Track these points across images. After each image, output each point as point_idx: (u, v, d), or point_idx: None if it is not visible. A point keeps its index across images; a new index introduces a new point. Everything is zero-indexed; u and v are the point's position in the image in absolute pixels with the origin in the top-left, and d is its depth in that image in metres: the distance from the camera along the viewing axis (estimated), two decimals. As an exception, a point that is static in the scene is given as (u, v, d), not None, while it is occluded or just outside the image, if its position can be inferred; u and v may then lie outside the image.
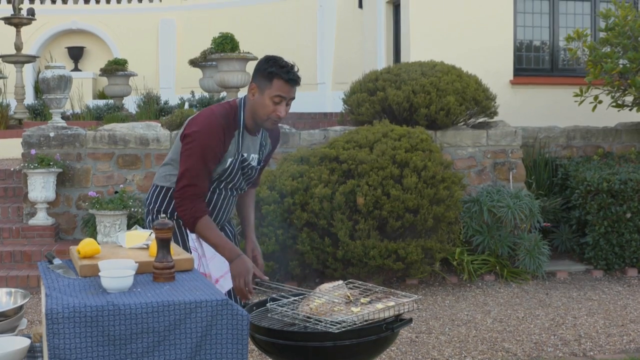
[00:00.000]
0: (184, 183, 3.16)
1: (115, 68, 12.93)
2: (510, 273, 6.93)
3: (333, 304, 2.95)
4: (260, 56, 3.44)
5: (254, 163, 3.37)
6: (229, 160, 3.24)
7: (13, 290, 2.88)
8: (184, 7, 15.17)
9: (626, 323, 5.59)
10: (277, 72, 3.14)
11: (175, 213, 3.28)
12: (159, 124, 7.88)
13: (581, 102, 7.99)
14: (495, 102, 7.93)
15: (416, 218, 6.38)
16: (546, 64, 9.95)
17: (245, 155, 3.30)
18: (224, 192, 3.36)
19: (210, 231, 3.17)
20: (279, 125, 3.46)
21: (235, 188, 3.40)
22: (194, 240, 3.31)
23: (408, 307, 2.96)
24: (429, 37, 9.34)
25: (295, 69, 3.20)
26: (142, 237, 2.92)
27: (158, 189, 3.37)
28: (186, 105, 11.43)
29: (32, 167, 7.14)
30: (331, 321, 2.76)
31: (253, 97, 3.20)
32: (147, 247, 2.84)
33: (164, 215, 2.67)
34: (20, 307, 2.77)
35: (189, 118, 3.29)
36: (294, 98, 3.24)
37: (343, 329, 2.73)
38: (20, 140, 7.62)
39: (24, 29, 12.58)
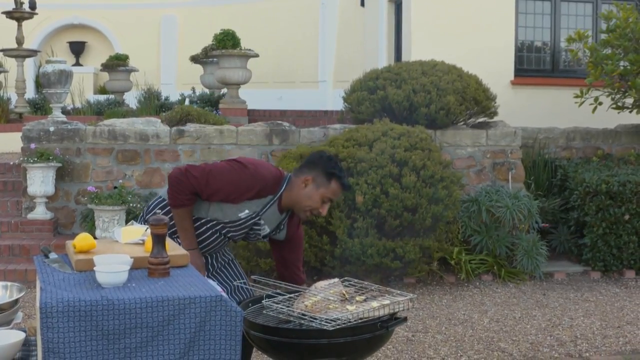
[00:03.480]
0: (196, 173, 3.21)
1: (117, 63, 12.93)
2: (507, 273, 6.94)
3: (328, 301, 2.95)
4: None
5: (263, 232, 3.41)
6: (245, 212, 3.27)
7: (9, 284, 2.88)
8: (186, 3, 15.17)
9: (622, 325, 5.60)
10: (339, 175, 3.25)
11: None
12: (159, 120, 7.89)
13: (581, 103, 7.98)
14: (495, 103, 7.93)
15: (414, 217, 6.39)
16: (547, 65, 9.95)
17: (262, 222, 3.34)
18: (217, 234, 3.39)
19: (186, 220, 3.25)
20: None
21: (231, 237, 3.44)
22: None
23: (403, 305, 2.97)
24: (430, 36, 9.33)
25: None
26: (138, 232, 2.92)
27: (165, 202, 3.38)
28: (187, 102, 11.43)
29: (31, 161, 7.15)
30: (326, 319, 2.77)
31: (304, 188, 3.26)
32: (143, 243, 2.84)
33: (159, 211, 2.67)
34: (16, 301, 2.77)
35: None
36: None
37: (338, 327, 2.74)
38: (20, 134, 7.62)
39: (25, 23, 12.57)
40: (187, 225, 3.26)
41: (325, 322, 2.75)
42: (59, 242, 6.88)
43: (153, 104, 11.38)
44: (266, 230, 3.40)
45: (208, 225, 3.34)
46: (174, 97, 12.31)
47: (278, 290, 3.20)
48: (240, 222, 3.30)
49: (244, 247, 6.41)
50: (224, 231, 3.37)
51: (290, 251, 3.58)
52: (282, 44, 13.63)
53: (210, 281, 3.24)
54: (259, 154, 7.42)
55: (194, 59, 12.61)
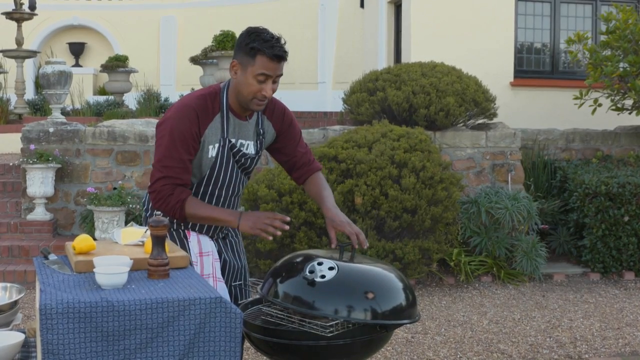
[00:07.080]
0: (157, 176, 2.90)
1: (116, 64, 12.94)
2: (507, 275, 6.94)
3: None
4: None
5: (248, 150, 3.06)
6: (213, 147, 2.95)
7: (8, 285, 2.87)
8: (185, 4, 15.19)
9: (622, 326, 5.60)
10: (260, 47, 2.81)
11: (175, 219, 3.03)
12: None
13: (581, 104, 7.99)
14: (494, 104, 7.94)
15: (414, 218, 6.39)
16: (547, 66, 9.96)
17: (233, 141, 2.99)
18: (223, 194, 3.06)
19: (203, 208, 2.93)
20: (276, 102, 3.15)
21: (233, 185, 3.07)
22: (196, 255, 3.06)
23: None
24: (429, 37, 9.35)
25: (282, 42, 2.87)
26: (138, 234, 2.92)
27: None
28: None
29: (31, 162, 7.15)
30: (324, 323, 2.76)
31: (236, 76, 2.90)
32: (143, 244, 2.84)
33: (159, 212, 2.66)
34: (15, 302, 2.77)
35: None
36: (281, 74, 2.92)
37: (337, 333, 2.73)
38: (19, 135, 7.62)
39: (25, 24, 12.59)
40: (210, 208, 2.91)
41: (324, 327, 2.74)
42: (58, 243, 6.88)
43: (152, 105, 11.40)
44: (247, 144, 3.05)
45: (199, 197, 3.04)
46: (174, 98, 12.32)
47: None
48: (219, 159, 2.97)
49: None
50: (217, 186, 3.03)
51: (315, 189, 3.21)
52: (281, 45, 13.61)
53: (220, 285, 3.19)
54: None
55: (194, 60, 12.62)
